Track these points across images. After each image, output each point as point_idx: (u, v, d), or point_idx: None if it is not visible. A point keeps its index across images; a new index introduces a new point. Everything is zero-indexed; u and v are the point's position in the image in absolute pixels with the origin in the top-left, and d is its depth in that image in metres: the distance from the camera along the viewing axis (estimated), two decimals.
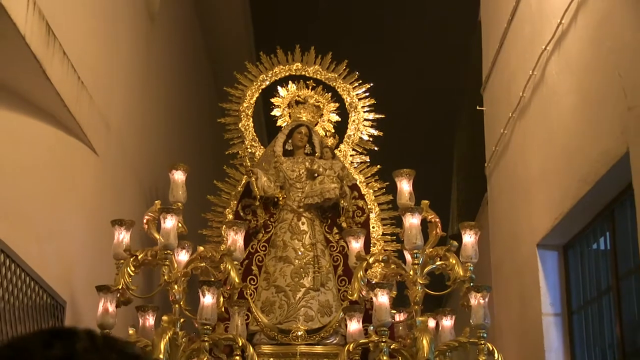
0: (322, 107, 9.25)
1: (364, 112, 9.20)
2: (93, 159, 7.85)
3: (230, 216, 8.75)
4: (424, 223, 7.80)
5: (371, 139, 9.17)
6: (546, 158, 7.68)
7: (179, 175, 8.12)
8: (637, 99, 5.54)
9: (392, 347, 7.36)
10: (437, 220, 7.93)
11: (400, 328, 8.04)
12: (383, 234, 8.78)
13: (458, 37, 12.54)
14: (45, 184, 6.94)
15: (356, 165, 9.09)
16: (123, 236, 7.63)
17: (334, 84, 9.27)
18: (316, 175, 8.69)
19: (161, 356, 7.00)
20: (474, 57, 11.17)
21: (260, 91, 9.37)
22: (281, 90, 9.30)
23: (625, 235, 6.26)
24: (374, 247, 8.59)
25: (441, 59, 13.69)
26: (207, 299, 7.23)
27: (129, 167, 9.06)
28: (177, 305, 7.52)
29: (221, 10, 13.57)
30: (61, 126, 7.13)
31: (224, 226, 8.43)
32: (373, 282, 7.76)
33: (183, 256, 7.81)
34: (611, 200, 6.54)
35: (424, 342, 7.07)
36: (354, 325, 7.50)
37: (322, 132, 9.15)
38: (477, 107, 10.42)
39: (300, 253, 8.38)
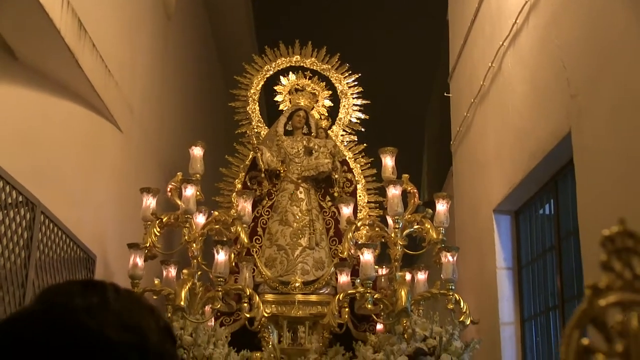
0: (317, 94, 9.21)
1: (353, 98, 9.16)
2: (119, 136, 7.86)
3: (239, 186, 8.73)
4: (404, 193, 7.82)
5: (359, 121, 9.14)
6: (501, 137, 7.67)
7: (197, 151, 8.12)
8: (578, 88, 5.54)
9: (375, 297, 7.41)
10: (415, 191, 7.98)
11: (382, 281, 8.02)
12: (368, 202, 8.74)
13: (429, 34, 12.51)
14: (78, 158, 6.96)
15: (346, 144, 9.05)
16: (150, 202, 7.67)
17: (328, 74, 9.23)
18: (312, 151, 8.69)
19: (182, 303, 7.01)
20: (442, 52, 11.15)
21: (264, 80, 9.32)
22: (283, 79, 9.27)
23: (567, 202, 6.28)
24: (361, 213, 8.55)
25: (415, 53, 13.68)
26: (221, 256, 7.27)
27: (149, 144, 9.07)
28: (195, 261, 7.57)
29: (229, 10, 13.52)
30: (92, 108, 7.14)
31: (234, 194, 8.39)
32: (360, 242, 7.76)
33: (200, 219, 7.86)
34: (555, 173, 6.55)
35: (402, 293, 7.09)
36: (344, 278, 7.58)
37: (317, 115, 9.10)
38: (445, 94, 10.42)
39: (298, 217, 8.37)
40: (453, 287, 7.27)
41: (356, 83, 9.18)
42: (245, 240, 7.81)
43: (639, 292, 0.85)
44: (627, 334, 0.83)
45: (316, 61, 9.22)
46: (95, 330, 0.97)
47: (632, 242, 0.86)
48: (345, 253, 7.75)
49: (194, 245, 7.58)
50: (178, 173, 8.02)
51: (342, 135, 9.08)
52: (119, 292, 1.07)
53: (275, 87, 9.32)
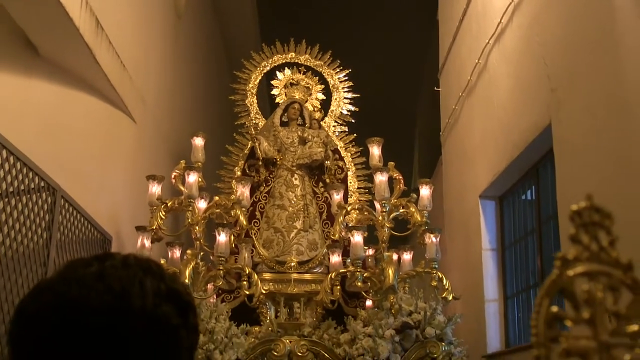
0: (311, 88, 9.20)
1: (344, 92, 9.17)
2: (132, 127, 7.88)
3: (239, 173, 8.71)
4: (390, 179, 7.84)
5: (349, 113, 9.15)
6: (487, 128, 7.70)
7: (199, 141, 8.13)
8: (558, 82, 5.59)
9: (364, 275, 7.45)
10: (401, 177, 7.97)
11: (371, 260, 8.05)
12: (358, 188, 8.76)
13: (420, 33, 12.49)
14: (96, 146, 6.98)
15: (337, 134, 9.05)
16: (156, 188, 7.68)
17: (321, 69, 9.22)
18: (306, 141, 8.70)
19: (186, 280, 7.02)
20: (432, 49, 11.13)
21: (262, 75, 9.33)
22: (279, 75, 9.27)
23: (547, 189, 6.31)
24: (351, 198, 8.56)
25: (407, 50, 13.65)
26: (222, 237, 7.29)
27: (160, 134, 9.08)
28: (198, 242, 7.58)
29: (235, 10, 13.47)
30: (108, 100, 7.16)
31: (234, 181, 8.37)
32: (350, 225, 7.81)
33: (202, 204, 7.85)
34: (536, 162, 6.59)
35: (390, 271, 7.13)
36: (335, 258, 7.63)
37: (311, 108, 9.07)
38: (435, 88, 10.40)
39: (293, 202, 8.39)
40: (436, 266, 7.32)
41: (347, 78, 9.17)
42: (244, 223, 7.86)
43: (605, 263, 0.84)
44: (593, 302, 0.82)
45: (310, 58, 9.22)
46: (75, 297, 0.97)
47: (598, 217, 0.86)
48: (337, 235, 7.81)
49: (197, 227, 7.60)
50: (181, 161, 8.05)
51: (333, 126, 9.08)
52: (125, 261, 1.06)
53: (272, 82, 9.33)
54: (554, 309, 0.81)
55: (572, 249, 0.85)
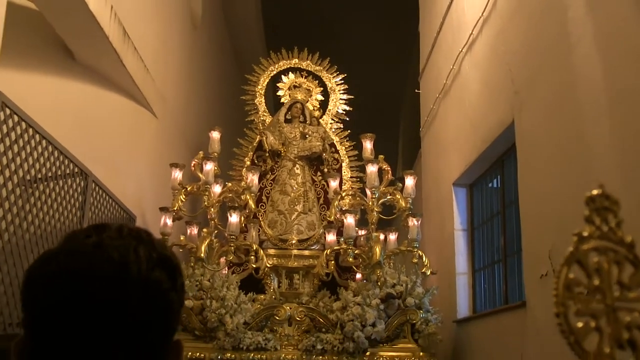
0: (311, 90, 9.17)
1: (340, 94, 9.14)
2: (154, 121, 7.90)
3: (248, 163, 8.71)
4: (380, 170, 7.84)
5: (344, 112, 9.13)
6: (459, 125, 7.69)
7: (215, 134, 8.14)
8: (520, 86, 5.59)
9: (355, 252, 7.47)
10: (389, 169, 7.97)
11: (361, 240, 7.99)
12: (351, 177, 8.74)
13: (404, 43, 12.48)
14: (122, 138, 7.01)
15: (334, 130, 9.03)
16: (177, 174, 7.69)
17: (320, 74, 9.20)
18: (307, 136, 8.70)
19: (202, 255, 7.07)
20: (414, 56, 11.08)
21: (269, 78, 9.30)
22: (284, 78, 9.24)
23: (510, 178, 6.29)
24: (345, 185, 8.56)
25: (393, 58, 13.65)
26: (233, 218, 7.31)
27: (178, 127, 9.10)
28: (213, 222, 7.60)
29: (244, 21, 13.46)
30: (133, 98, 7.18)
31: (244, 169, 8.35)
32: (344, 209, 7.79)
33: (217, 189, 7.88)
34: (501, 154, 6.58)
35: (377, 249, 7.16)
36: (331, 237, 7.70)
37: (311, 107, 9.06)
38: (416, 91, 10.36)
39: (295, 188, 8.39)
40: (417, 245, 7.36)
41: (343, 82, 9.14)
42: (253, 206, 7.89)
43: (612, 241, 0.85)
44: (602, 272, 0.84)
45: (311, 64, 9.19)
46: (78, 266, 0.95)
47: (608, 203, 0.86)
48: (332, 217, 7.83)
49: (212, 209, 7.64)
50: (200, 152, 8.03)
51: (330, 123, 9.06)
52: (121, 232, 1.02)
53: (278, 84, 9.29)
54: (571, 275, 0.83)
55: (587, 228, 0.86)
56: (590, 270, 0.84)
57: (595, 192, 0.87)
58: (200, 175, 7.77)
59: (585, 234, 0.86)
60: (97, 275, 0.94)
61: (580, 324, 0.82)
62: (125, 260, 0.96)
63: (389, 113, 15.02)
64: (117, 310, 0.94)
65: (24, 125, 4.28)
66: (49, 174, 4.78)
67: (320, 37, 11.91)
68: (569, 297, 0.82)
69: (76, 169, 5.30)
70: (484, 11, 6.67)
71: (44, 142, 4.62)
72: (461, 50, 7.50)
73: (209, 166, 7.69)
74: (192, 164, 7.98)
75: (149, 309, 0.97)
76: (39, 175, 4.60)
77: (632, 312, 0.83)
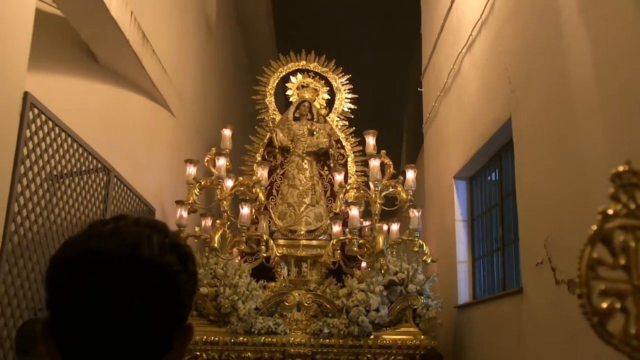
0: (318, 89, 9.16)
1: (345, 93, 9.13)
2: (172, 120, 7.94)
3: (259, 158, 8.74)
4: (382, 164, 7.83)
5: (349, 110, 9.12)
6: (459, 122, 7.68)
7: (227, 132, 8.14)
8: (517, 84, 5.58)
9: (360, 242, 7.48)
10: (391, 163, 7.96)
11: (366, 230, 8.00)
12: (356, 171, 8.73)
13: (408, 44, 12.46)
14: (142, 135, 7.04)
15: (339, 127, 9.02)
16: (192, 170, 7.71)
17: (327, 75, 9.19)
18: (314, 133, 8.70)
19: (216, 245, 7.09)
20: (417, 57, 11.05)
21: (279, 79, 9.30)
22: (292, 78, 9.24)
23: (507, 171, 6.29)
24: (350, 179, 8.53)
25: (397, 58, 13.64)
26: (245, 210, 7.32)
27: (194, 126, 9.12)
28: (225, 214, 7.61)
29: (256, 25, 13.47)
30: (152, 98, 7.22)
31: (255, 165, 8.41)
32: (349, 201, 7.80)
33: (229, 183, 7.87)
34: (499, 149, 6.57)
35: (380, 239, 7.16)
36: (337, 228, 7.70)
37: (318, 106, 9.06)
38: (418, 89, 10.34)
39: (303, 182, 8.40)
40: (418, 235, 7.37)
41: (348, 82, 9.14)
42: (263, 199, 7.94)
43: (639, 218, 0.80)
44: (628, 251, 0.78)
45: (318, 65, 9.19)
46: (94, 248, 0.96)
47: (635, 179, 0.80)
48: (338, 209, 7.86)
49: (225, 202, 7.65)
50: (212, 148, 8.06)
51: (336, 120, 9.06)
52: (137, 221, 1.03)
53: (287, 84, 9.30)
54: (595, 254, 0.78)
55: (612, 205, 0.80)
56: (616, 249, 0.79)
57: (621, 168, 0.81)
58: (213, 170, 7.78)
59: (611, 211, 0.80)
60: (111, 256, 0.95)
61: (604, 305, 0.76)
62: (138, 243, 0.97)
63: (394, 111, 15.00)
64: (128, 289, 0.95)
65: (50, 124, 4.33)
66: (74, 170, 4.83)
67: (327, 39, 11.91)
68: (593, 277, 0.77)
69: (99, 165, 5.35)
70: (482, 13, 6.67)
71: (69, 139, 4.67)
72: (461, 51, 7.49)
73: (221, 162, 7.70)
74: (206, 160, 8.01)
75: (159, 290, 0.98)
76: (65, 171, 4.65)
77: None
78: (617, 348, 0.74)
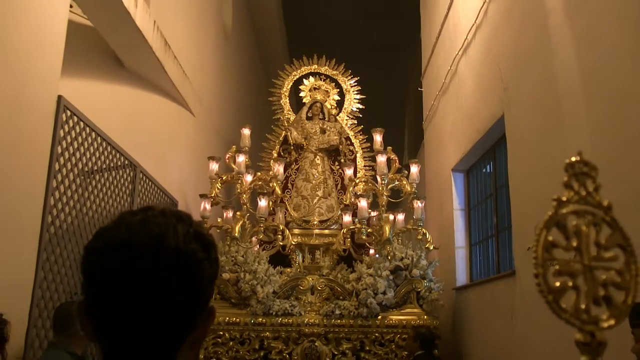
0: (329, 91, 9.17)
1: (354, 94, 9.12)
2: (192, 119, 7.93)
3: (275, 155, 8.75)
4: (389, 160, 7.84)
5: (358, 110, 9.11)
6: (457, 118, 7.66)
7: (246, 131, 8.17)
8: (509, 83, 5.57)
9: (368, 230, 7.50)
10: (396, 158, 7.97)
11: (374, 220, 8.00)
12: (364, 166, 8.72)
13: (409, 47, 12.44)
14: (165, 134, 7.05)
15: (349, 125, 9.01)
16: (214, 166, 7.74)
17: (337, 77, 9.19)
18: (325, 131, 8.70)
19: (236, 234, 7.16)
20: (417, 59, 11.03)
21: (293, 82, 9.30)
22: (305, 81, 9.24)
23: (501, 164, 6.28)
24: (359, 173, 8.54)
25: (399, 61, 13.62)
26: (262, 203, 7.37)
27: (213, 125, 9.12)
28: (245, 206, 7.64)
29: (269, 32, 13.46)
30: (174, 100, 7.22)
31: (272, 161, 8.43)
32: (358, 193, 7.81)
33: (248, 178, 7.90)
34: (493, 144, 6.57)
35: (387, 228, 7.22)
36: (347, 218, 7.70)
37: (329, 106, 9.07)
38: (419, 89, 10.32)
39: (316, 176, 8.42)
40: (421, 224, 7.39)
41: (356, 84, 9.13)
42: (279, 192, 7.97)
43: (590, 204, 0.80)
44: (580, 234, 0.79)
45: (328, 69, 9.19)
46: (124, 238, 0.96)
47: (586, 168, 0.81)
48: (348, 201, 7.89)
49: (244, 195, 7.68)
50: (233, 146, 8.08)
51: (346, 119, 9.06)
52: (163, 212, 1.01)
53: (300, 87, 9.30)
54: (550, 238, 0.78)
55: (566, 193, 0.80)
56: (569, 232, 0.79)
57: (573, 158, 0.82)
58: (234, 166, 7.81)
59: (564, 198, 0.80)
60: (139, 246, 0.95)
61: (558, 283, 0.77)
62: (164, 233, 0.97)
63: (397, 109, 14.97)
64: (156, 275, 0.94)
65: (82, 124, 4.36)
66: (103, 166, 4.85)
67: (335, 45, 11.90)
68: (548, 258, 0.77)
69: (126, 162, 5.37)
70: (476, 19, 6.66)
71: (98, 138, 4.69)
72: (457, 53, 7.49)
73: (241, 158, 7.74)
74: (227, 157, 8.02)
75: (184, 276, 0.97)
76: (95, 167, 4.67)
77: (608, 270, 0.78)
78: (568, 322, 0.75)
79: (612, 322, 0.76)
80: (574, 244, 0.78)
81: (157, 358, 0.97)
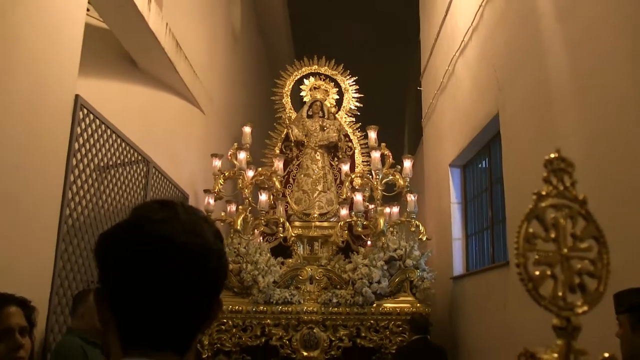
0: (328, 90, 9.16)
1: (352, 93, 9.11)
2: (202, 117, 7.97)
3: (277, 151, 8.76)
4: (383, 155, 7.89)
5: (356, 108, 9.11)
6: (454, 116, 7.66)
7: (247, 129, 8.19)
8: (504, 83, 5.59)
9: (364, 223, 7.56)
10: (390, 154, 7.98)
11: (370, 213, 8.03)
12: (362, 161, 8.72)
13: (409, 49, 12.44)
14: (177, 131, 7.08)
15: (347, 123, 9.01)
16: (217, 162, 7.77)
17: (336, 77, 9.19)
18: (325, 128, 8.71)
19: (239, 227, 7.21)
20: (416, 60, 11.01)
21: (294, 81, 9.31)
22: (306, 81, 9.24)
23: (496, 160, 6.29)
24: (358, 168, 8.55)
25: (400, 62, 13.62)
26: (263, 197, 7.41)
27: (222, 122, 9.15)
28: (247, 200, 7.69)
29: (275, 34, 13.48)
30: (185, 99, 7.25)
31: (273, 157, 8.44)
32: (355, 188, 7.83)
33: (250, 173, 7.94)
34: (489, 140, 6.57)
35: (381, 220, 7.27)
36: (344, 211, 7.73)
37: (328, 104, 9.06)
38: (418, 88, 10.32)
39: (316, 171, 8.44)
40: (414, 217, 7.42)
41: (355, 83, 9.12)
42: (279, 186, 7.98)
43: (567, 198, 0.80)
44: (558, 226, 0.79)
45: (328, 69, 9.19)
46: (168, 235, 0.95)
47: (564, 165, 0.82)
48: (345, 195, 7.91)
49: (246, 190, 7.72)
50: (235, 143, 8.08)
51: (344, 117, 9.06)
52: (185, 208, 1.02)
53: (301, 86, 9.31)
54: (531, 229, 0.78)
55: (545, 187, 0.81)
56: (548, 224, 0.80)
57: (552, 155, 0.83)
58: (235, 162, 7.82)
59: (544, 192, 0.81)
60: (182, 242, 0.96)
61: (537, 272, 0.77)
62: (200, 232, 0.99)
63: (397, 107, 14.97)
64: (194, 270, 0.96)
65: (97, 122, 4.38)
66: (118, 162, 4.88)
67: (338, 46, 11.91)
68: (529, 248, 0.78)
69: (139, 157, 5.40)
70: (473, 22, 6.67)
71: (113, 135, 4.71)
72: (455, 54, 7.49)
73: (242, 155, 7.77)
74: (229, 154, 8.05)
75: (215, 270, 1.00)
76: (110, 163, 4.70)
77: (582, 260, 0.79)
78: (546, 308, 0.77)
79: (585, 308, 0.79)
80: (553, 235, 0.80)
81: (180, 345, 0.98)
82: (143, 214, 0.99)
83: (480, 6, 6.39)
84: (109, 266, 0.97)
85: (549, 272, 0.79)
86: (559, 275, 0.79)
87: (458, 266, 7.58)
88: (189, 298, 0.98)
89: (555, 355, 0.77)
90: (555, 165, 0.84)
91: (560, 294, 0.79)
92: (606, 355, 0.79)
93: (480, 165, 7.22)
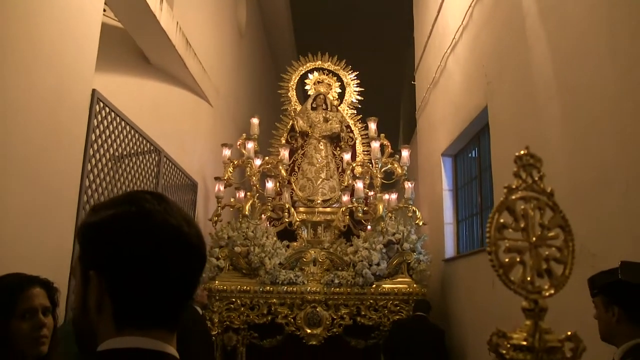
0: (331, 84, 9.14)
1: (354, 86, 9.10)
2: (210, 109, 7.96)
3: (283, 141, 8.75)
4: (382, 145, 7.86)
5: (357, 101, 9.09)
6: (446, 109, 7.65)
7: (255, 120, 8.18)
8: (491, 77, 5.57)
9: (364, 209, 7.57)
10: (389, 144, 7.97)
11: (370, 199, 8.03)
12: (363, 151, 8.71)
13: (404, 46, 12.40)
14: (187, 123, 7.08)
15: (349, 115, 9.00)
16: (227, 152, 7.76)
17: (338, 72, 9.16)
18: (328, 120, 8.69)
19: (247, 212, 7.20)
20: (411, 56, 10.98)
21: (299, 76, 9.28)
22: (310, 75, 9.23)
23: (485, 149, 6.29)
24: (358, 157, 8.56)
25: (396, 58, 13.57)
26: (270, 184, 7.43)
27: (229, 114, 9.14)
28: (254, 187, 7.67)
29: (278, 32, 13.43)
30: (194, 92, 7.24)
31: (279, 147, 8.44)
32: (356, 175, 7.84)
33: (258, 162, 7.93)
34: (478, 131, 6.55)
35: (380, 207, 7.27)
36: (345, 198, 7.75)
37: (331, 97, 9.05)
38: (412, 82, 10.29)
39: (319, 160, 8.43)
40: (411, 203, 7.43)
41: (356, 77, 9.10)
42: (284, 174, 7.97)
43: (536, 191, 0.81)
44: (527, 216, 0.80)
45: (331, 64, 9.16)
46: (176, 225, 0.95)
47: (533, 160, 0.83)
48: (347, 182, 7.91)
49: (254, 178, 7.72)
50: (243, 134, 8.09)
51: (347, 109, 9.05)
52: (169, 199, 1.01)
53: (305, 80, 9.29)
54: (501, 220, 0.79)
55: (515, 181, 0.82)
56: (518, 215, 0.80)
57: (522, 152, 0.83)
58: (244, 152, 7.83)
59: (514, 186, 0.82)
60: (191, 233, 0.98)
61: (507, 259, 0.78)
62: (194, 222, 1.01)
63: (393, 100, 14.93)
64: (202, 255, 1.01)
65: (113, 115, 4.40)
66: (132, 152, 4.89)
67: (339, 42, 11.87)
68: (500, 237, 0.79)
69: (152, 147, 5.41)
70: (463, 21, 6.64)
71: (127, 127, 4.72)
72: (446, 51, 7.46)
73: (250, 145, 7.78)
74: (238, 144, 8.05)
75: (206, 257, 1.04)
76: (124, 152, 4.71)
77: (550, 247, 0.80)
78: (516, 291, 0.78)
79: (552, 291, 0.80)
80: (522, 225, 0.81)
81: (174, 322, 0.99)
82: (144, 204, 0.97)
83: (469, 6, 6.36)
84: (114, 253, 0.94)
85: (518, 259, 0.79)
86: (527, 262, 0.79)
87: (450, 249, 7.58)
88: (190, 281, 1.00)
89: (524, 334, 0.78)
90: (525, 161, 0.84)
91: (528, 278, 0.79)
92: (569, 333, 0.80)
93: (470, 155, 7.21)
